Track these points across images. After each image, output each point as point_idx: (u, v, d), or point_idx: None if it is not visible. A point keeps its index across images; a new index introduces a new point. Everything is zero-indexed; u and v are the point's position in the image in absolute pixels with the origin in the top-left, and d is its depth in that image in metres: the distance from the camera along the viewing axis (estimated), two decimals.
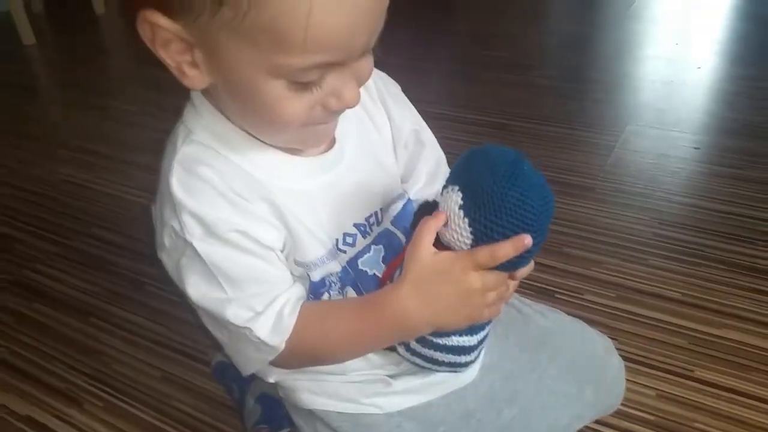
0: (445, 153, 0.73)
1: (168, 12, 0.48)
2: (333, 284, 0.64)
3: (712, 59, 2.20)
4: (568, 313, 0.81)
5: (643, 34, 2.49)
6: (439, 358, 0.62)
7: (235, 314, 0.57)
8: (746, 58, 2.15)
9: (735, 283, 1.14)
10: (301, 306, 0.59)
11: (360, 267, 0.66)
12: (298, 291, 0.61)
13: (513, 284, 0.60)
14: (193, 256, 0.56)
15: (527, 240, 0.52)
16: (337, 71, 0.51)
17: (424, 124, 0.72)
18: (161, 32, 0.49)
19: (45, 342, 1.10)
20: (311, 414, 0.70)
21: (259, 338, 0.58)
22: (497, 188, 0.51)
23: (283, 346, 0.58)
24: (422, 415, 0.69)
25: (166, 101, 1.90)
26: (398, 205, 0.69)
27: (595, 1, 3.00)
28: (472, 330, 0.61)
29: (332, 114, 0.55)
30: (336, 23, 0.47)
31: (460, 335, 0.61)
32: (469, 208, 0.53)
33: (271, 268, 0.59)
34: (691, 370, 0.99)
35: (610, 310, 1.10)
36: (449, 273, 0.55)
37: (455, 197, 0.54)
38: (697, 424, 0.90)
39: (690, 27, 2.51)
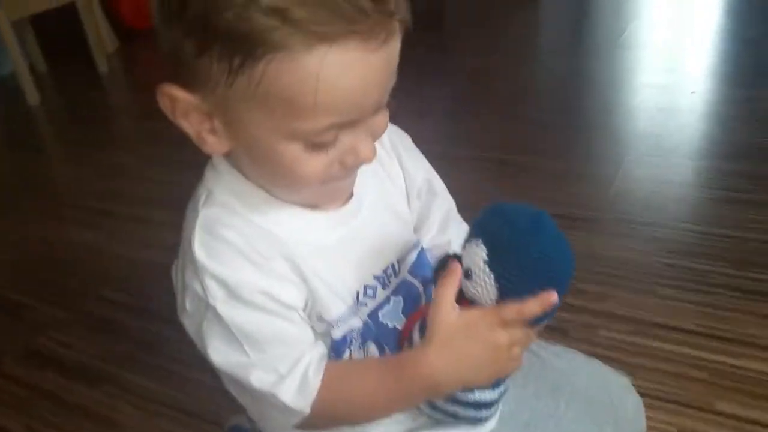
0: (450, 192, 0.74)
1: (186, 85, 0.51)
2: (354, 340, 0.64)
3: (705, 83, 2.22)
4: (584, 351, 0.80)
5: (635, 63, 2.52)
6: (460, 413, 0.62)
7: (260, 379, 0.57)
8: (739, 79, 2.17)
9: (750, 310, 1.14)
10: (325, 367, 0.59)
11: (381, 320, 0.66)
12: (321, 350, 0.60)
13: (534, 332, 0.59)
14: (215, 320, 0.56)
15: (554, 297, 0.53)
16: (352, 129, 0.52)
17: (435, 173, 0.73)
18: (180, 104, 0.52)
19: (59, 413, 1.10)
20: None
21: (284, 403, 0.57)
22: (523, 243, 0.52)
23: (308, 410, 0.58)
24: None
25: (172, 155, 1.94)
26: (413, 255, 0.69)
27: (584, 33, 3.04)
28: (493, 385, 0.61)
29: (350, 170, 0.56)
30: (345, 86, 0.48)
31: (482, 390, 0.61)
32: (494, 263, 0.54)
33: (293, 329, 0.59)
34: (712, 403, 0.98)
35: (625, 346, 1.10)
36: (476, 331, 0.55)
37: (480, 252, 0.54)
38: None
39: (681, 53, 2.54)
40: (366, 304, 0.65)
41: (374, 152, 0.55)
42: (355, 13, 0.45)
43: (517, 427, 0.71)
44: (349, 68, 0.47)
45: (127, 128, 2.58)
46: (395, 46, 0.50)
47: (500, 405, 0.67)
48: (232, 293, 0.56)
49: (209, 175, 0.61)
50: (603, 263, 1.29)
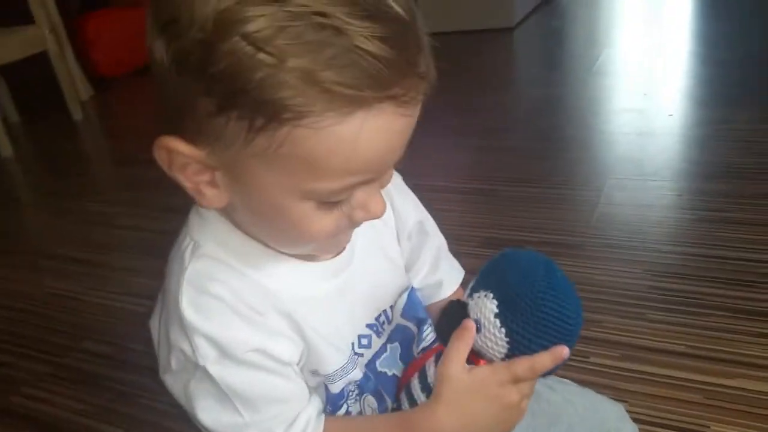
0: (439, 224, 0.73)
1: (192, 139, 0.47)
2: (351, 393, 0.62)
3: (682, 106, 2.25)
4: (576, 379, 0.79)
5: (611, 89, 2.55)
6: None
7: None
8: (714, 101, 2.19)
9: (740, 330, 1.13)
10: (325, 423, 0.57)
11: (379, 369, 0.64)
12: (318, 405, 0.58)
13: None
14: (205, 379, 0.53)
15: (565, 352, 0.53)
16: (366, 187, 0.50)
17: (426, 213, 0.72)
18: (180, 157, 0.48)
19: None
20: None
21: None
22: (537, 299, 0.52)
23: None
24: None
25: (149, 201, 1.93)
26: (403, 298, 0.68)
27: (559, 63, 3.08)
28: None
29: (355, 225, 0.54)
30: (376, 150, 0.46)
31: None
32: (506, 317, 0.53)
33: (289, 385, 0.56)
34: (708, 426, 0.96)
35: (617, 371, 1.08)
36: (487, 389, 0.54)
37: (490, 305, 0.54)
38: None
39: (656, 77, 2.57)
40: (362, 354, 0.63)
41: (384, 208, 0.52)
42: (392, 76, 0.43)
43: None
44: (384, 132, 0.45)
45: (103, 176, 2.55)
46: (420, 106, 0.48)
47: None
48: (224, 352, 0.53)
49: (194, 223, 0.57)
50: (590, 288, 1.28)
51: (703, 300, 1.21)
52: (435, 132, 2.28)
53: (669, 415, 0.98)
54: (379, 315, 0.65)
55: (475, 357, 0.55)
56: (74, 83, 3.11)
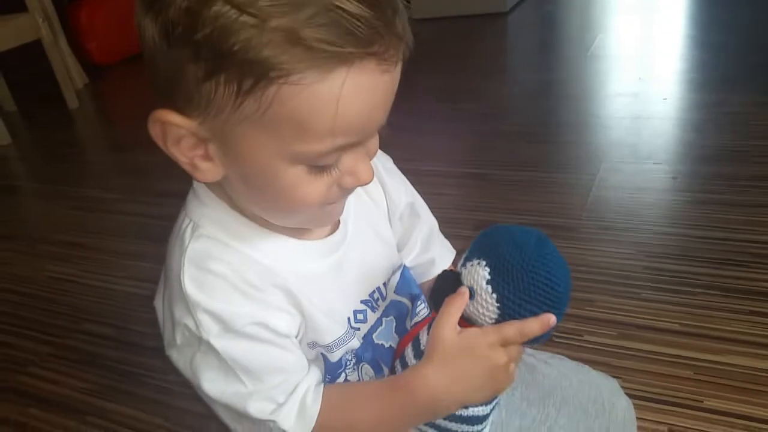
0: (431, 208, 0.74)
1: (183, 110, 0.48)
2: (349, 362, 0.63)
3: (676, 90, 2.26)
4: (571, 357, 0.80)
5: (606, 74, 2.56)
6: (453, 428, 0.62)
7: (258, 408, 0.56)
8: (708, 85, 2.21)
9: (732, 308, 1.15)
10: (324, 392, 0.59)
11: (376, 341, 0.66)
12: (317, 375, 0.60)
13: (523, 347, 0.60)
14: (209, 352, 0.55)
15: (552, 319, 0.54)
16: (353, 151, 0.51)
17: (417, 194, 0.74)
18: (173, 130, 0.49)
19: None
20: None
21: (283, 430, 0.57)
22: (528, 266, 0.53)
23: None
24: None
25: (144, 186, 1.94)
26: (396, 275, 0.69)
27: (553, 48, 3.09)
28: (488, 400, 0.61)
29: (348, 192, 0.56)
30: (360, 108, 0.47)
31: (476, 406, 0.61)
32: (497, 283, 0.54)
33: (289, 356, 0.58)
34: (701, 401, 0.98)
35: (611, 349, 1.10)
36: (476, 350, 0.55)
37: (482, 272, 0.55)
38: None
39: (650, 61, 2.59)
40: (359, 328, 0.64)
41: (372, 173, 0.54)
42: (371, 34, 0.44)
43: None
44: (365, 90, 0.47)
45: (100, 163, 2.56)
46: (400, 67, 0.50)
47: (491, 417, 0.67)
48: (227, 326, 0.54)
49: (192, 205, 0.59)
50: (585, 270, 1.30)
51: (696, 279, 1.23)
52: (430, 117, 2.30)
53: (662, 391, 1.00)
54: (373, 292, 0.66)
55: (465, 323, 0.57)
56: (69, 72, 3.11)
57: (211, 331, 0.54)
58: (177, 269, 0.55)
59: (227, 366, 0.55)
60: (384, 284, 0.68)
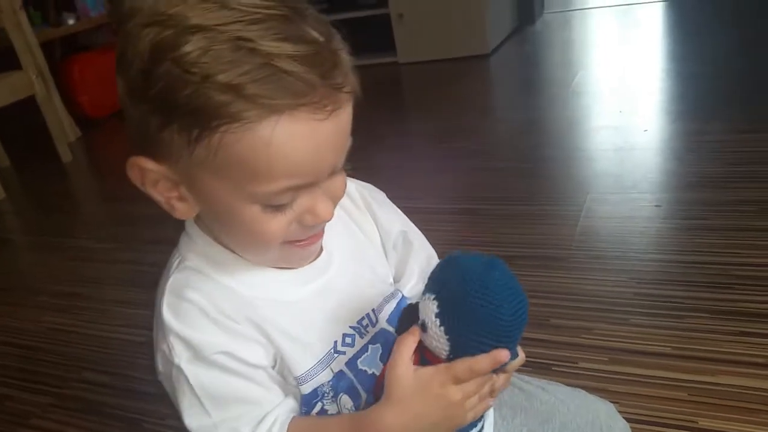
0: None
1: (153, 157, 0.54)
2: (326, 394, 0.65)
3: (656, 121, 2.33)
4: (567, 383, 0.82)
5: (588, 109, 2.62)
6: None
7: None
8: (686, 115, 2.27)
9: (721, 329, 1.17)
10: (291, 426, 0.60)
11: (359, 366, 0.67)
12: (288, 407, 0.62)
13: (503, 378, 0.61)
14: (181, 378, 0.58)
15: (504, 354, 0.55)
16: (309, 191, 0.55)
17: (411, 225, 0.76)
18: (149, 174, 0.55)
19: None
20: None
21: None
22: (470, 299, 0.53)
23: None
24: None
25: (137, 234, 1.96)
26: (392, 304, 0.71)
27: (535, 86, 3.16)
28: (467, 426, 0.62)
29: (309, 229, 0.59)
30: (296, 152, 0.51)
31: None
32: (444, 317, 0.55)
33: (257, 389, 0.60)
34: (695, 421, 1.00)
35: (605, 374, 1.12)
36: (429, 390, 0.57)
37: (432, 306, 0.56)
38: None
39: (630, 95, 2.65)
40: (345, 353, 0.66)
41: (331, 212, 0.57)
42: (304, 87, 0.49)
43: None
44: (299, 136, 0.51)
45: (94, 214, 2.59)
46: (345, 114, 0.54)
47: None
48: (196, 353, 0.58)
49: (183, 242, 0.64)
50: (576, 298, 1.33)
51: (685, 303, 1.26)
52: (421, 156, 2.35)
53: (658, 413, 1.02)
54: (362, 318, 0.68)
55: (430, 355, 0.58)
56: (62, 126, 3.15)
57: (182, 357, 0.58)
58: (159, 297, 0.60)
59: (195, 395, 0.58)
60: (374, 311, 0.70)
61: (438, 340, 0.56)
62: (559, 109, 2.66)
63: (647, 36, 3.59)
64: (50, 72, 3.21)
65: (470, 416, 0.59)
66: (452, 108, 2.88)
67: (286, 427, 0.60)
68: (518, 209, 1.79)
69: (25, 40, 2.91)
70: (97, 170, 3.16)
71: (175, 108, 0.50)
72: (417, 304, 0.60)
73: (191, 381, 0.58)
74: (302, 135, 0.51)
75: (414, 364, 0.59)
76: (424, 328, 0.57)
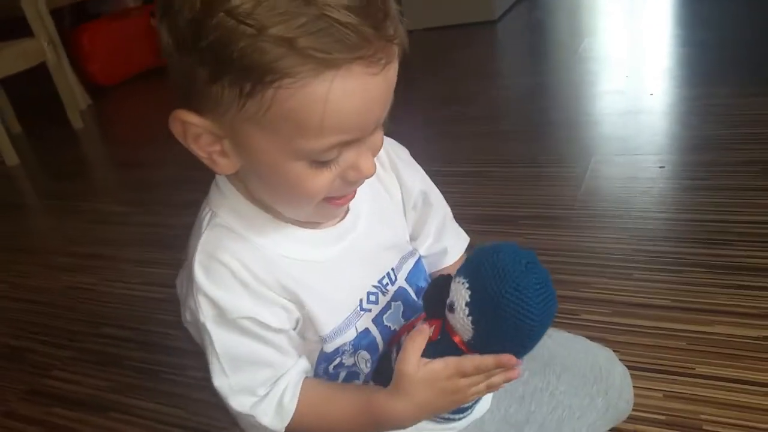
0: None
1: (198, 110, 0.54)
2: (346, 351, 0.68)
3: (661, 86, 2.33)
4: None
5: (595, 74, 2.63)
6: (444, 414, 0.69)
7: (239, 402, 0.63)
8: (692, 80, 2.29)
9: (718, 283, 1.21)
10: (302, 389, 0.64)
11: (385, 323, 0.70)
12: (300, 370, 0.66)
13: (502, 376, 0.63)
14: (206, 336, 0.62)
15: (513, 361, 0.58)
16: (354, 147, 0.55)
17: (431, 184, 0.78)
18: (192, 128, 0.55)
19: None
20: None
21: (261, 424, 0.63)
22: (503, 300, 0.55)
23: (283, 429, 0.64)
24: None
25: (154, 198, 2.00)
26: (410, 263, 0.74)
27: (543, 52, 3.17)
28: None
29: (352, 185, 0.60)
30: (350, 108, 0.51)
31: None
32: (474, 308, 0.58)
33: (275, 353, 0.64)
34: (693, 368, 1.04)
35: (606, 326, 1.16)
36: (436, 383, 0.61)
37: (464, 293, 0.58)
38: (704, 416, 0.95)
39: (637, 60, 2.66)
40: (370, 310, 0.69)
41: (374, 167, 0.58)
42: (359, 40, 0.48)
43: (513, 402, 0.77)
44: (354, 92, 0.50)
45: (107, 179, 2.63)
46: (395, 67, 0.53)
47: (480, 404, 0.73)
48: (222, 313, 0.60)
49: (214, 196, 0.65)
50: (579, 255, 1.36)
51: (685, 258, 1.30)
52: (430, 121, 2.37)
53: (656, 361, 1.06)
54: (383, 277, 0.71)
55: (451, 330, 0.61)
56: (73, 93, 3.17)
57: (207, 316, 0.60)
58: (191, 253, 0.62)
59: (216, 354, 0.62)
60: (393, 270, 0.72)
61: (463, 326, 0.59)
62: (565, 74, 2.67)
63: (656, 3, 3.56)
64: (60, 40, 3.23)
65: (472, 397, 0.63)
66: (459, 74, 2.89)
67: (298, 391, 0.64)
68: (524, 171, 1.82)
69: (36, 7, 2.92)
70: (109, 137, 3.19)
71: (228, 61, 0.48)
72: (447, 277, 0.63)
73: (214, 340, 0.61)
74: (356, 90, 0.50)
75: (434, 336, 0.62)
76: (451, 308, 0.60)
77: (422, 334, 0.61)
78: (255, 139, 0.54)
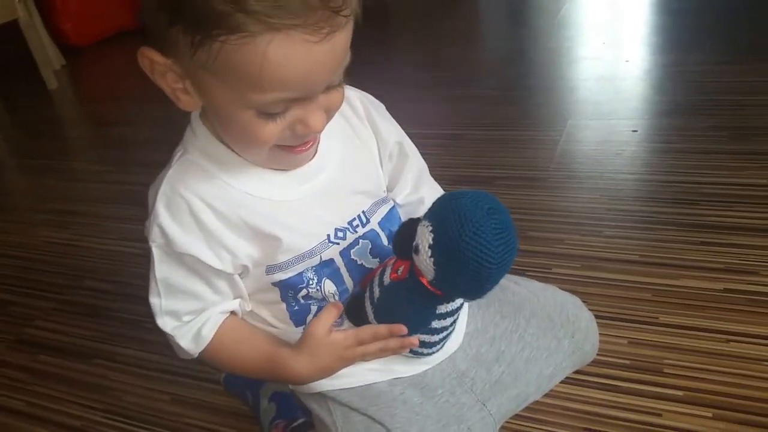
0: None
1: (161, 50, 0.58)
2: (310, 280, 0.72)
3: (637, 52, 2.37)
4: None
5: (572, 40, 2.66)
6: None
7: (164, 322, 0.70)
8: (667, 47, 2.33)
9: (685, 239, 1.26)
10: (224, 325, 0.72)
11: (352, 256, 0.74)
12: (226, 308, 0.72)
13: (396, 342, 0.71)
14: (151, 260, 0.67)
15: (403, 330, 0.69)
16: (302, 104, 0.59)
17: (406, 137, 0.82)
18: (157, 66, 0.60)
19: (58, 389, 1.15)
20: (322, 396, 0.77)
21: (179, 345, 0.71)
22: (462, 242, 0.58)
23: (197, 354, 0.72)
24: (421, 381, 0.77)
25: (128, 157, 2.00)
26: (384, 209, 0.78)
27: (522, 17, 3.18)
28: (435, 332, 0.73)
29: (300, 137, 0.64)
30: (289, 69, 0.55)
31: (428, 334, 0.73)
32: (436, 250, 0.61)
33: (209, 291, 0.70)
34: (657, 317, 1.09)
35: (577, 279, 1.20)
36: (336, 351, 0.70)
37: (428, 236, 0.62)
38: (667, 361, 1.00)
39: (614, 27, 2.70)
40: (338, 243, 0.73)
41: (323, 124, 0.62)
42: (301, 8, 0.51)
43: (485, 342, 0.81)
44: (292, 55, 0.53)
45: (82, 138, 2.60)
46: (342, 35, 0.56)
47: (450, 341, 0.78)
48: (168, 244, 0.65)
49: (187, 136, 0.70)
50: (553, 214, 1.40)
51: (655, 217, 1.34)
52: (409, 84, 2.38)
53: (623, 311, 1.11)
54: (353, 219, 0.75)
55: (418, 272, 0.65)
56: (46, 52, 3.12)
57: (156, 242, 0.66)
58: (159, 180, 0.67)
59: (155, 277, 0.68)
60: (364, 212, 0.76)
61: (426, 267, 0.63)
62: (544, 40, 2.70)
63: None
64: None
65: (365, 358, 0.73)
66: (439, 39, 2.90)
67: (217, 326, 0.71)
68: (501, 134, 1.85)
69: None
70: (84, 97, 3.15)
71: (182, 11, 0.53)
72: (415, 221, 0.66)
73: (156, 265, 0.67)
74: (295, 54, 0.53)
75: (402, 275, 0.67)
76: (416, 250, 0.64)
77: (336, 308, 0.69)
78: (209, 84, 0.58)
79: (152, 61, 0.59)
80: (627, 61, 2.26)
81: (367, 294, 0.73)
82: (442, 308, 0.70)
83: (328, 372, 0.72)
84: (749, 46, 2.17)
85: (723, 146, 1.57)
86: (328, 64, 0.58)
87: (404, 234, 0.67)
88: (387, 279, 0.70)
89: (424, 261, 0.62)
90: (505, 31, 3.03)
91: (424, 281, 0.65)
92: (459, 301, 0.71)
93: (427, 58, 2.64)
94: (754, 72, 1.95)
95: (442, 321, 0.72)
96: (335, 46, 0.56)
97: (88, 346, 1.24)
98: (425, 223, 0.63)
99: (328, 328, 0.69)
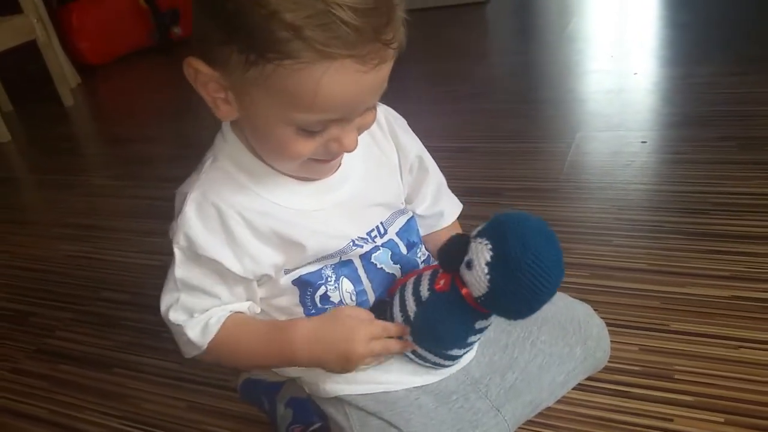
0: None
1: (209, 62, 0.61)
2: (329, 278, 0.75)
3: (646, 65, 2.39)
4: None
5: (581, 53, 2.68)
6: (430, 359, 0.77)
7: (176, 316, 0.72)
8: (675, 60, 2.35)
9: (693, 248, 1.27)
10: (231, 318, 0.73)
11: (372, 260, 0.77)
12: (235, 309, 0.74)
13: (399, 344, 0.74)
14: (173, 259, 0.70)
15: (406, 332, 0.72)
16: (339, 124, 0.63)
17: (426, 151, 0.85)
18: (202, 76, 0.63)
19: (77, 397, 1.17)
20: (338, 400, 0.79)
21: (187, 336, 0.73)
22: (523, 266, 0.61)
23: (204, 346, 0.73)
24: (436, 388, 0.79)
25: (147, 173, 2.03)
26: (402, 219, 0.81)
27: (531, 32, 3.22)
28: (462, 346, 0.76)
29: (333, 154, 0.67)
30: (339, 96, 0.58)
31: (452, 349, 0.76)
32: (493, 268, 0.63)
33: (226, 292, 0.73)
34: (667, 324, 1.10)
35: (586, 287, 1.21)
36: (352, 323, 0.72)
37: (486, 254, 0.64)
38: (677, 367, 1.01)
39: (622, 40, 2.72)
40: (361, 247, 0.75)
41: (355, 144, 0.65)
42: (357, 40, 0.54)
43: (498, 350, 0.83)
44: (344, 83, 0.57)
45: (99, 154, 2.65)
46: (387, 66, 0.60)
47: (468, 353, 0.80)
48: (192, 247, 0.68)
49: (218, 142, 0.73)
50: (563, 224, 1.42)
51: (663, 226, 1.36)
52: (421, 99, 2.41)
53: (633, 319, 1.12)
54: (371, 230, 0.78)
55: (461, 285, 0.67)
56: (63, 71, 3.18)
57: (179, 243, 0.69)
58: (191, 184, 0.70)
59: (175, 277, 0.70)
60: (383, 223, 0.79)
61: (479, 283, 0.64)
62: (552, 54, 2.72)
63: None
64: (49, 19, 3.22)
65: (362, 365, 0.74)
66: (448, 53, 2.93)
67: (224, 318, 0.73)
68: (510, 147, 1.88)
69: None
70: (100, 114, 3.21)
71: (240, 32, 0.56)
72: (465, 237, 0.68)
73: (177, 266, 0.70)
74: (347, 82, 0.57)
75: (444, 287, 0.70)
76: (469, 266, 0.65)
77: (385, 329, 0.74)
78: (254, 99, 0.61)
79: (197, 70, 0.62)
80: (635, 73, 2.28)
81: (396, 301, 0.75)
82: (479, 324, 0.72)
83: (328, 353, 0.72)
84: (756, 57, 2.19)
85: (732, 156, 1.59)
86: (373, 91, 0.62)
87: (454, 247, 0.69)
88: (426, 290, 0.72)
89: (478, 277, 0.64)
90: (514, 45, 3.07)
91: (466, 294, 0.67)
92: (493, 317, 0.73)
93: (437, 73, 2.68)
94: (762, 83, 1.97)
95: (475, 336, 0.74)
96: (380, 75, 0.60)
97: (106, 356, 1.27)
98: (482, 240, 0.64)
99: (359, 309, 0.72)
